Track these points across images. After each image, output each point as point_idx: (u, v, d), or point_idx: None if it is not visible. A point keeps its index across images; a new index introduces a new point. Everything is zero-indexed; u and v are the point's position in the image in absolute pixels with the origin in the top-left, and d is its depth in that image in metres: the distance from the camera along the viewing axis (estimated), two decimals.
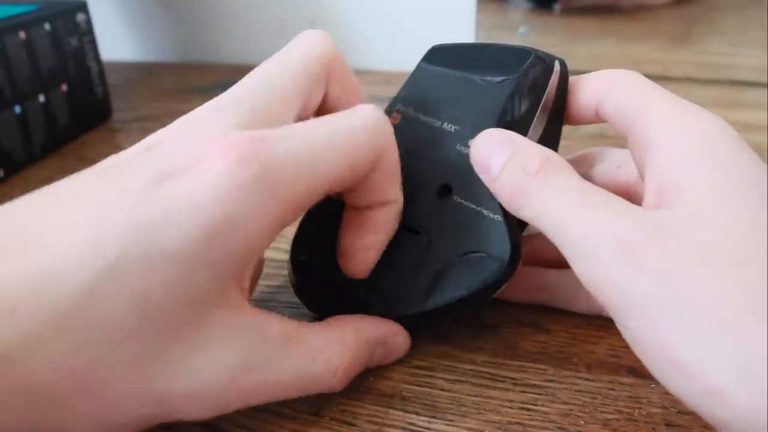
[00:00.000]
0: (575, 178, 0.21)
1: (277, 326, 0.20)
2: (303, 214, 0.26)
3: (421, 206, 0.25)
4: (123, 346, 0.17)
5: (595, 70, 0.25)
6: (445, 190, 0.25)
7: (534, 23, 0.82)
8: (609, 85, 0.24)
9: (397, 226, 0.24)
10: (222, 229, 0.17)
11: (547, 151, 0.22)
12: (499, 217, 0.23)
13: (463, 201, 0.24)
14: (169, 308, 0.17)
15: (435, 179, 0.25)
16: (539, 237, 0.27)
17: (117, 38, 0.67)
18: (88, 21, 0.50)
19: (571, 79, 0.25)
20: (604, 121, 0.24)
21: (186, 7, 0.65)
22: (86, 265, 0.16)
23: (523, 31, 0.75)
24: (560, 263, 0.27)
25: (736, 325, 0.16)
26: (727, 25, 0.81)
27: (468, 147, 0.24)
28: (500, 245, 0.23)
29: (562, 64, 0.25)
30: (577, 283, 0.26)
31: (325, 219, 0.25)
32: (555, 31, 0.80)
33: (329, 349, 0.21)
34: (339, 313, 0.24)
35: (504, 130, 0.23)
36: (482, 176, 0.23)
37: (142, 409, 0.18)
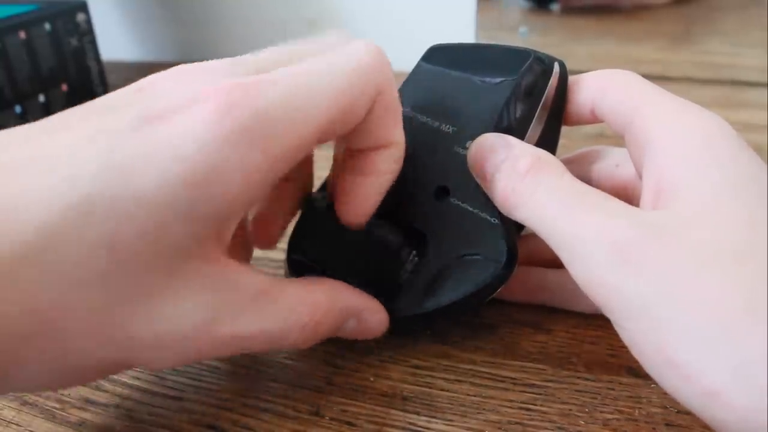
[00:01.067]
0: (568, 177, 0.20)
1: (251, 280, 0.19)
2: (299, 206, 0.26)
3: (419, 207, 0.25)
4: (89, 288, 0.16)
5: (595, 70, 0.25)
6: (443, 191, 0.25)
7: (534, 23, 0.82)
8: (605, 84, 0.24)
9: (398, 170, 0.23)
10: (202, 180, 0.16)
11: (539, 152, 0.22)
12: (496, 220, 0.23)
13: (460, 203, 0.24)
14: (139, 255, 0.16)
15: (432, 181, 0.25)
16: (537, 237, 0.27)
17: (117, 38, 0.67)
18: (88, 21, 0.50)
19: (570, 79, 0.25)
20: (600, 121, 0.24)
21: (186, 7, 0.65)
22: (56, 201, 0.16)
23: (523, 31, 0.75)
24: (559, 263, 0.27)
25: (733, 325, 0.16)
26: (728, 25, 0.81)
27: (465, 149, 0.24)
28: (497, 248, 0.23)
29: (562, 65, 0.25)
30: (576, 282, 0.26)
31: (321, 218, 0.26)
32: (555, 31, 0.80)
33: (300, 307, 0.20)
34: None
35: (500, 134, 0.23)
36: (478, 179, 0.23)
37: (102, 353, 0.17)
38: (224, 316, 0.18)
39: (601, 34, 0.77)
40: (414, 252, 0.24)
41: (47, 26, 0.45)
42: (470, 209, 0.24)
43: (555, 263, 0.27)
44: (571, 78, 0.25)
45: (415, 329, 0.25)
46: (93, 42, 0.50)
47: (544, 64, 0.25)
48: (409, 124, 0.26)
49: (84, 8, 0.49)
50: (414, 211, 0.25)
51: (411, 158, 0.25)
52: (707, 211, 0.18)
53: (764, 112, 0.48)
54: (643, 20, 0.83)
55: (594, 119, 0.24)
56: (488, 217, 0.23)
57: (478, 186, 0.23)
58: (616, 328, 0.19)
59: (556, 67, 0.25)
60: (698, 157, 0.19)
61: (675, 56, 0.66)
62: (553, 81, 0.25)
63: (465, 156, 0.24)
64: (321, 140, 0.19)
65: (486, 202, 0.23)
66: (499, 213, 0.23)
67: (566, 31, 0.79)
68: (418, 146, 0.25)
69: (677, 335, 0.16)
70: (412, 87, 0.27)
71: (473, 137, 0.24)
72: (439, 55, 0.27)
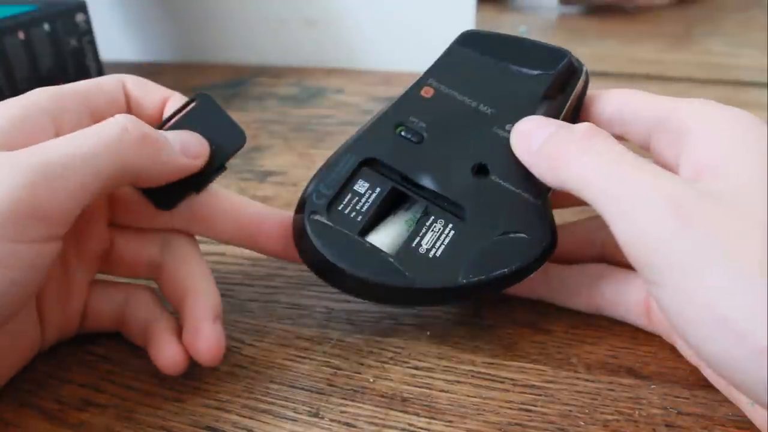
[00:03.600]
0: (619, 145, 0.21)
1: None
2: (321, 169, 0.26)
3: (457, 182, 0.24)
4: None
5: (596, 71, 0.25)
6: (481, 169, 0.25)
7: (534, 23, 0.82)
8: (627, 96, 0.24)
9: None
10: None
11: (589, 123, 0.22)
12: (539, 201, 0.24)
13: (501, 182, 0.24)
14: None
15: (470, 157, 0.25)
16: None
17: (117, 38, 0.67)
18: (88, 21, 0.50)
19: (590, 92, 0.26)
20: (615, 133, 0.24)
21: (186, 7, 0.65)
22: None
23: (523, 31, 0.75)
24: (561, 259, 0.27)
25: None
26: (728, 25, 0.81)
27: (506, 131, 0.25)
28: (540, 228, 0.23)
29: (586, 71, 0.26)
30: (577, 278, 0.26)
31: (354, 187, 0.25)
32: (555, 31, 0.80)
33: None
34: (360, 283, 0.23)
35: (545, 117, 0.24)
36: (520, 152, 0.23)
37: None
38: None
39: (603, 34, 0.77)
40: (451, 225, 0.24)
41: (46, 26, 0.45)
42: (512, 188, 0.24)
43: (558, 259, 0.27)
44: (591, 92, 0.26)
45: (447, 302, 0.25)
46: (92, 42, 0.50)
47: (575, 66, 0.26)
48: (445, 99, 0.26)
49: (83, 8, 0.49)
50: (451, 185, 0.24)
51: (447, 134, 0.25)
52: (754, 184, 0.18)
53: (764, 112, 0.48)
54: (644, 21, 0.83)
55: (610, 130, 0.24)
56: (530, 197, 0.24)
57: (518, 167, 0.24)
58: (656, 289, 0.18)
59: (584, 72, 0.26)
60: (736, 140, 0.20)
61: (676, 56, 0.66)
62: (580, 83, 0.26)
63: (504, 138, 0.24)
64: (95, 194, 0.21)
65: (527, 183, 0.24)
66: (541, 194, 0.24)
67: (566, 31, 0.79)
68: (455, 123, 0.26)
69: (728, 291, 0.16)
70: (446, 66, 0.27)
71: (513, 120, 0.24)
72: (473, 41, 0.28)
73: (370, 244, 0.24)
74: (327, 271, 0.24)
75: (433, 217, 0.24)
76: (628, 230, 0.19)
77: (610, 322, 0.26)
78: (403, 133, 0.26)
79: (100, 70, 0.51)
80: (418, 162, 0.25)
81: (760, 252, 0.16)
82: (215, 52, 0.66)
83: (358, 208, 0.24)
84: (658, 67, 0.61)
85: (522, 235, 0.23)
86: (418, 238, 0.24)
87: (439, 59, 0.28)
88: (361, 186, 0.25)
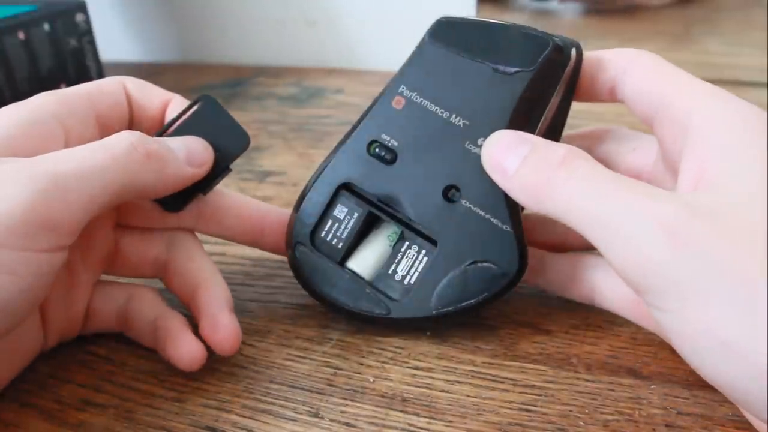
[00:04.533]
0: (601, 167, 0.20)
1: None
2: (303, 194, 0.26)
3: (428, 206, 0.24)
4: None
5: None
6: (452, 190, 0.24)
7: (533, 23, 0.82)
8: (629, 65, 0.23)
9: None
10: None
11: (568, 145, 0.21)
12: (507, 227, 0.23)
13: (471, 206, 0.24)
14: None
15: (441, 178, 0.24)
16: (536, 220, 0.27)
17: (117, 38, 0.67)
18: (88, 21, 0.50)
19: (587, 55, 0.24)
20: (616, 101, 0.24)
21: (186, 7, 0.65)
22: None
23: None
24: (555, 246, 0.27)
25: None
26: (728, 25, 0.81)
27: (477, 146, 0.24)
28: (508, 257, 0.23)
29: (578, 48, 0.24)
30: (571, 268, 0.26)
31: (334, 213, 0.26)
32: (555, 31, 0.80)
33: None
34: (342, 309, 0.25)
35: (518, 132, 0.22)
36: (495, 176, 0.22)
37: None
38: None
39: (602, 34, 0.77)
40: (424, 251, 0.25)
41: (46, 26, 0.45)
42: (482, 213, 0.24)
43: (553, 247, 0.27)
44: (589, 54, 0.24)
45: (421, 329, 0.26)
46: (92, 42, 0.50)
47: (562, 53, 0.24)
48: (416, 111, 0.25)
49: (83, 8, 0.49)
50: (423, 211, 0.24)
51: (418, 152, 0.25)
52: (754, 197, 0.18)
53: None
54: (643, 20, 0.83)
55: (611, 99, 0.24)
56: (500, 224, 0.24)
57: (489, 187, 0.23)
58: (656, 312, 0.18)
59: (573, 54, 0.24)
60: (743, 148, 0.19)
61: (675, 56, 0.65)
62: (569, 69, 0.24)
63: (476, 154, 0.24)
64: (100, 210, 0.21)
65: (497, 207, 0.23)
66: (511, 219, 0.23)
67: (567, 32, 0.79)
68: (426, 138, 0.25)
69: (728, 314, 0.16)
70: (419, 69, 0.26)
71: (485, 134, 0.23)
72: (447, 33, 0.25)
73: (350, 271, 0.25)
74: (315, 296, 0.26)
75: (407, 243, 0.25)
76: (622, 256, 0.19)
77: (610, 322, 0.26)
78: (377, 151, 0.25)
79: (100, 70, 0.51)
80: (391, 184, 0.25)
81: (758, 271, 0.16)
82: (215, 52, 0.66)
83: (338, 234, 0.26)
84: None
85: (490, 264, 0.24)
86: (394, 265, 0.25)
87: (410, 58, 0.26)
88: (340, 211, 0.26)
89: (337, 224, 0.26)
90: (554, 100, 0.24)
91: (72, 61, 0.48)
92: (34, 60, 0.44)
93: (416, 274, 0.25)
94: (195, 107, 0.25)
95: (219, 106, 0.26)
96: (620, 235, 0.18)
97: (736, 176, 0.18)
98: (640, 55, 0.23)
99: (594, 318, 0.26)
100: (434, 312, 0.24)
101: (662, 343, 0.25)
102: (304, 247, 0.26)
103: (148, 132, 0.24)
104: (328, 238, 0.26)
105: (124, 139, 0.22)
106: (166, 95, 0.26)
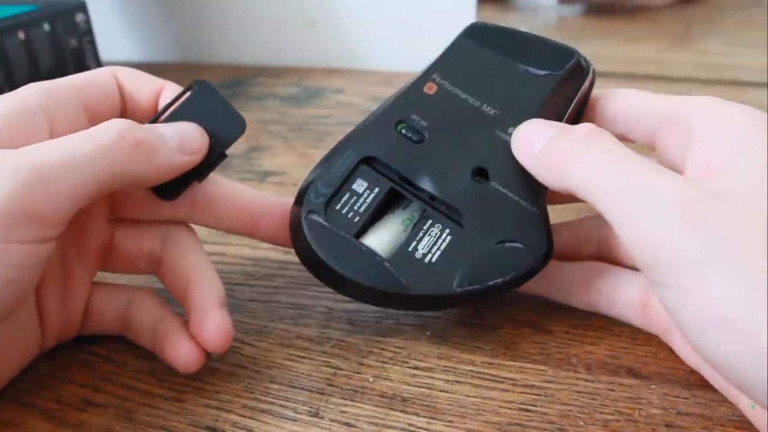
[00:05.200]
0: (620, 144, 0.21)
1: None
2: (320, 164, 0.26)
3: (456, 186, 0.24)
4: None
5: (596, 70, 0.25)
6: (481, 173, 0.24)
7: (533, 23, 0.82)
8: (630, 96, 0.24)
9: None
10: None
11: (591, 124, 0.22)
12: (536, 210, 0.23)
13: (500, 188, 0.24)
14: None
15: (470, 160, 0.25)
16: None
17: (117, 38, 0.67)
18: (88, 21, 0.50)
19: (595, 91, 0.26)
20: (619, 132, 0.24)
21: (186, 7, 0.65)
22: None
23: None
24: (559, 256, 0.27)
25: None
26: (728, 25, 0.81)
27: (507, 134, 0.24)
28: (537, 238, 0.23)
29: (594, 71, 0.26)
30: (578, 276, 0.26)
31: (352, 186, 0.25)
32: (555, 31, 0.80)
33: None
34: (354, 286, 0.23)
35: (548, 120, 0.23)
36: (522, 156, 0.23)
37: None
38: None
39: (602, 34, 0.77)
40: (448, 230, 0.24)
41: (46, 26, 0.45)
42: (510, 195, 0.24)
43: (558, 255, 0.27)
44: (596, 91, 0.26)
45: (441, 308, 0.25)
46: (92, 42, 0.50)
47: (582, 67, 0.26)
48: (448, 97, 0.26)
49: (83, 8, 0.49)
50: (450, 189, 0.24)
51: (448, 135, 0.25)
52: (758, 184, 0.18)
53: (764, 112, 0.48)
54: (643, 20, 0.83)
55: (613, 130, 0.24)
56: (528, 206, 0.24)
57: (518, 172, 0.23)
58: (662, 291, 0.18)
59: (591, 72, 0.26)
60: (747, 141, 0.19)
61: (675, 56, 0.66)
62: (587, 84, 0.25)
63: (506, 141, 0.24)
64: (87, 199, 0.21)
65: (526, 190, 0.24)
66: (539, 202, 0.24)
67: (566, 31, 0.79)
68: (457, 123, 0.25)
69: (736, 292, 0.16)
70: (452, 60, 0.27)
71: (516, 123, 0.24)
72: (481, 34, 0.27)
73: (366, 246, 0.23)
74: (322, 272, 0.24)
75: (430, 221, 0.24)
76: (633, 231, 0.19)
77: (610, 322, 0.26)
78: (404, 131, 0.25)
79: None
80: (418, 162, 0.25)
81: (762, 254, 0.16)
82: (215, 52, 0.66)
83: (355, 208, 0.24)
84: (657, 67, 0.61)
85: (518, 245, 0.23)
86: (414, 242, 0.24)
87: (444, 52, 0.27)
88: (359, 185, 0.25)
89: (355, 198, 0.24)
90: (570, 113, 0.25)
91: (72, 61, 0.48)
92: (34, 60, 0.44)
93: (438, 252, 0.23)
94: (188, 93, 0.25)
95: (213, 90, 0.25)
96: (635, 211, 0.19)
97: (740, 167, 0.19)
98: (623, 91, 0.25)
99: (594, 318, 0.26)
100: (457, 290, 0.23)
101: (662, 343, 0.25)
102: (316, 216, 0.24)
103: (141, 121, 0.24)
104: (344, 211, 0.24)
105: (113, 128, 0.21)
106: (157, 83, 0.26)
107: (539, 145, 0.22)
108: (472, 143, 0.25)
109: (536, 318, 0.27)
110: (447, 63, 0.27)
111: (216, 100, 0.25)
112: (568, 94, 0.25)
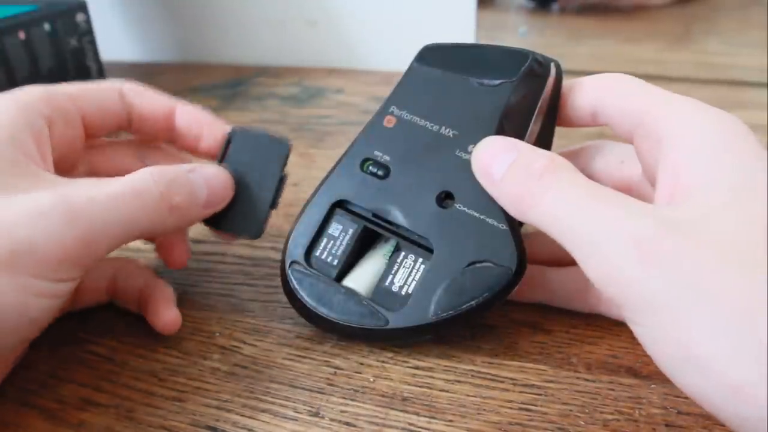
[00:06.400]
0: (582, 177, 0.20)
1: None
2: (298, 217, 0.26)
3: (423, 214, 0.25)
4: None
5: (595, 70, 0.25)
6: (446, 197, 0.25)
7: (533, 23, 0.82)
8: (606, 88, 0.24)
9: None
10: None
11: (551, 153, 0.22)
12: (503, 226, 0.23)
13: (465, 209, 0.24)
14: None
15: (434, 186, 0.25)
16: (537, 235, 0.27)
17: (117, 38, 0.67)
18: (88, 21, 0.50)
19: (566, 82, 0.25)
20: (600, 124, 0.24)
21: (186, 7, 0.65)
22: None
23: (522, 31, 0.75)
24: (558, 262, 0.27)
25: (756, 319, 0.16)
26: (727, 25, 0.81)
27: (468, 153, 0.24)
28: (506, 254, 0.23)
29: (557, 66, 0.25)
30: (575, 281, 0.26)
31: (328, 231, 0.26)
32: (555, 31, 0.80)
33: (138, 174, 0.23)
34: (336, 322, 0.24)
35: (505, 137, 0.23)
36: (483, 182, 0.23)
37: None
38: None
39: (601, 34, 0.77)
40: (421, 260, 0.24)
41: (47, 26, 0.45)
42: (476, 215, 0.24)
43: (555, 261, 0.27)
44: (568, 82, 0.25)
45: (424, 337, 0.25)
46: (93, 42, 0.50)
47: (541, 65, 0.25)
48: (407, 127, 0.26)
49: (83, 8, 0.49)
50: (418, 219, 0.25)
51: (411, 164, 0.25)
52: (727, 208, 0.18)
53: (764, 112, 0.48)
54: (643, 20, 0.83)
55: (594, 122, 0.24)
56: (495, 223, 0.23)
57: (483, 190, 0.23)
58: (633, 326, 0.18)
59: (553, 68, 0.25)
60: (716, 155, 0.19)
61: (675, 56, 0.66)
62: (550, 81, 0.25)
63: (467, 160, 0.24)
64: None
65: (491, 207, 0.23)
66: (507, 217, 0.23)
67: (566, 31, 0.79)
68: (418, 151, 0.25)
69: (700, 330, 0.16)
70: (408, 89, 0.27)
71: (475, 141, 0.23)
72: (433, 56, 0.27)
73: (346, 287, 0.25)
74: (311, 316, 0.25)
75: (403, 253, 0.25)
76: (598, 270, 0.19)
77: (610, 322, 0.26)
78: (370, 169, 0.26)
79: (101, 70, 0.51)
80: (386, 197, 0.25)
81: (728, 287, 0.16)
82: (215, 52, 0.66)
83: (333, 252, 0.26)
84: (656, 67, 0.61)
85: (488, 263, 0.23)
86: (390, 276, 0.25)
87: (399, 82, 0.27)
88: (335, 229, 0.26)
89: (332, 242, 0.26)
90: (538, 115, 0.25)
91: (72, 61, 0.48)
92: (35, 60, 0.44)
93: (413, 283, 0.24)
94: (231, 144, 0.27)
95: (249, 131, 0.27)
96: (595, 250, 0.19)
97: (709, 185, 0.18)
98: (618, 78, 0.24)
99: (594, 318, 0.26)
100: (433, 318, 0.23)
101: None
102: (298, 265, 0.25)
103: (153, 135, 0.26)
104: (323, 257, 0.25)
105: (153, 188, 0.23)
106: (168, 104, 0.27)
107: (499, 172, 0.22)
108: (434, 168, 0.25)
109: (536, 318, 0.27)
110: (402, 93, 0.27)
111: (255, 137, 0.27)
112: (529, 98, 0.24)
